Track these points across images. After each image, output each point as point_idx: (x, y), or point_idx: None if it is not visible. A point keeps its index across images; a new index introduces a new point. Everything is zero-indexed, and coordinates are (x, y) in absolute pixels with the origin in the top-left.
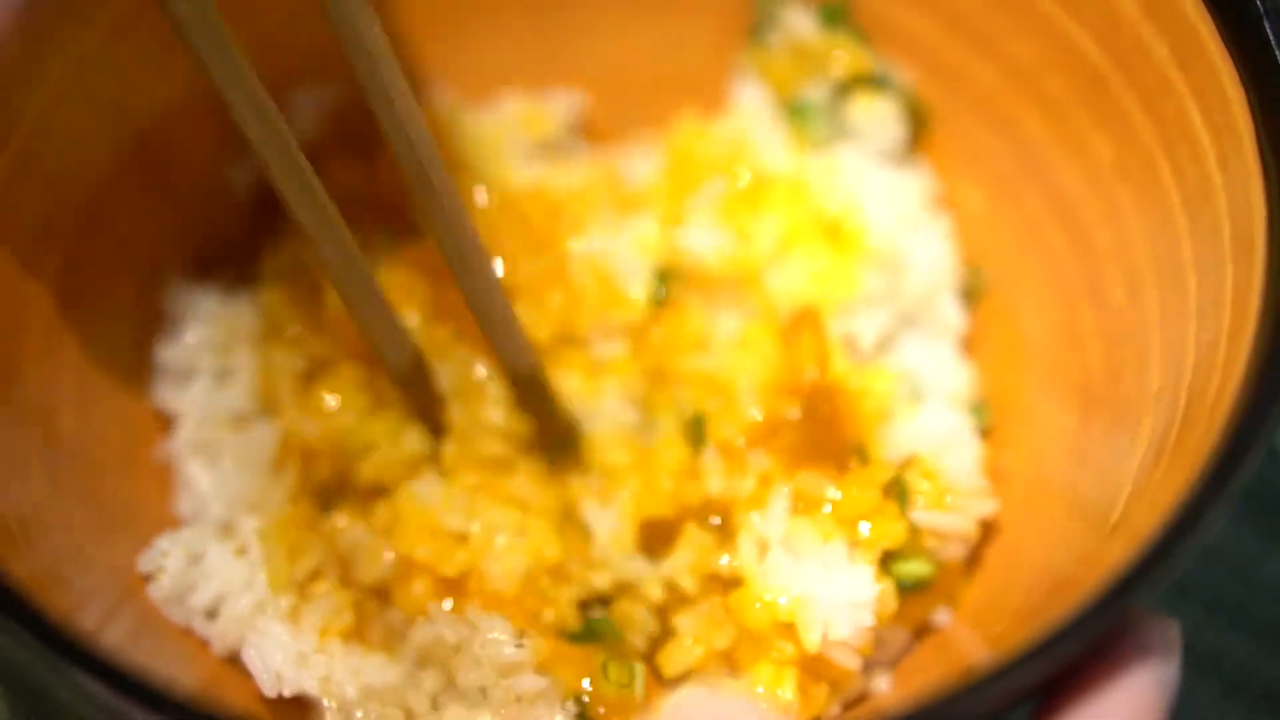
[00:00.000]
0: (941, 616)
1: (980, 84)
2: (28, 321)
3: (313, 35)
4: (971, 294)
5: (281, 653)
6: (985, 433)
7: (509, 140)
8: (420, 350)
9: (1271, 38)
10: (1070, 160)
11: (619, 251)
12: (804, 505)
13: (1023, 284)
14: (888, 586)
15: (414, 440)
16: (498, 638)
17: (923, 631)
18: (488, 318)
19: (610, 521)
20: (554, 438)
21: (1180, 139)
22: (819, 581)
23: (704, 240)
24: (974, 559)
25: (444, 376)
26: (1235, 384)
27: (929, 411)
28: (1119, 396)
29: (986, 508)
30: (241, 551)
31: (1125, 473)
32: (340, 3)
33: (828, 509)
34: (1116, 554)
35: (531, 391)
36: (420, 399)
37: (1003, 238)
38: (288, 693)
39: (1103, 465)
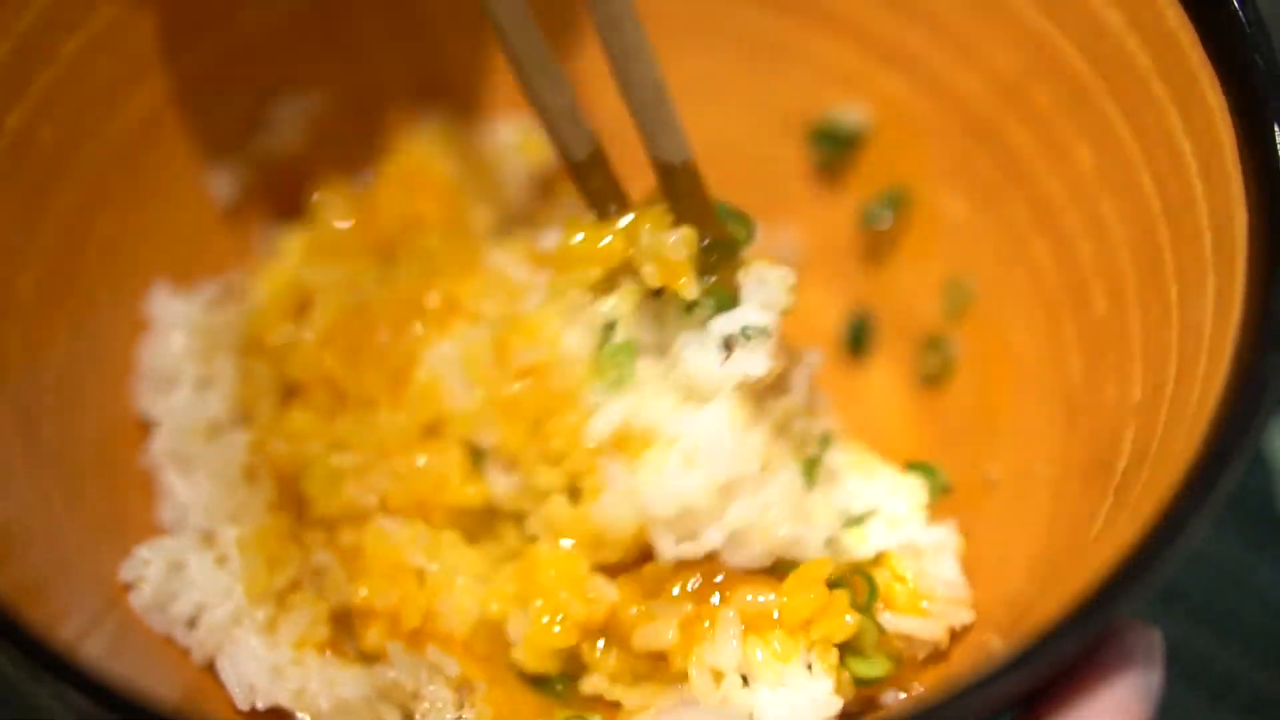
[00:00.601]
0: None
1: (964, 93)
2: (9, 330)
3: (298, 43)
4: (955, 306)
5: (256, 665)
6: (944, 490)
7: (505, 165)
8: (598, 139)
9: (1254, 49)
10: (1053, 170)
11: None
12: (751, 625)
13: (1006, 294)
14: (845, 680)
15: (381, 479)
16: (444, 697)
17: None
18: (642, 107)
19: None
20: (710, 241)
21: (1162, 149)
22: (780, 705)
23: None
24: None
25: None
26: (1217, 394)
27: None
28: (1102, 406)
29: (963, 617)
30: (222, 561)
31: (1108, 483)
32: None
33: (775, 614)
34: (1100, 564)
35: (683, 187)
36: (593, 186)
37: (986, 247)
38: (261, 706)
39: (1086, 474)
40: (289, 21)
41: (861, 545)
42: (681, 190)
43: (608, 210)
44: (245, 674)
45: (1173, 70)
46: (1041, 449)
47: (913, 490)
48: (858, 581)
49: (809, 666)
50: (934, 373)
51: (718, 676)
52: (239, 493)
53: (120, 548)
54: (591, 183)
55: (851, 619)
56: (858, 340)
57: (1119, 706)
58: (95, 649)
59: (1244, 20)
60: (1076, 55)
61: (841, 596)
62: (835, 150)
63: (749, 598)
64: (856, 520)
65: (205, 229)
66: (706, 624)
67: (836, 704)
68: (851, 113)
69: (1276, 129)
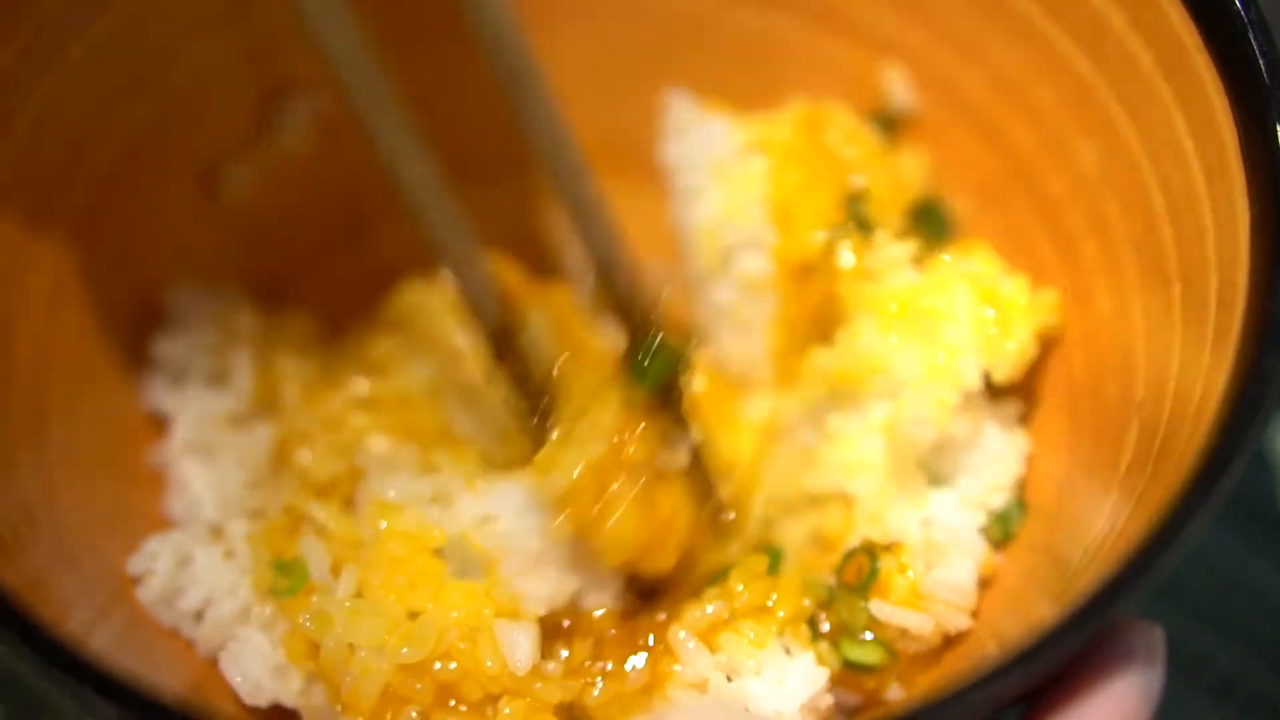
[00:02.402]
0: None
1: (968, 93)
2: (21, 326)
3: (306, 43)
4: None
5: (260, 662)
6: (1007, 537)
7: None
8: (512, 313)
9: (1256, 48)
10: (1056, 169)
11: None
12: (710, 630)
13: None
14: (825, 652)
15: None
16: None
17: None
18: (586, 229)
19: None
20: (643, 357)
21: (1165, 148)
22: (768, 690)
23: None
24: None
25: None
26: (1219, 392)
27: (939, 502)
28: (1104, 404)
29: (959, 623)
30: (229, 555)
31: (1110, 480)
32: None
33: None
34: (1101, 562)
35: (619, 293)
36: (514, 370)
37: (991, 245)
38: (264, 703)
39: (1089, 472)
40: (297, 21)
41: (878, 528)
42: (621, 299)
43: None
44: (250, 671)
45: (1175, 70)
46: (1045, 446)
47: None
48: (861, 559)
49: (786, 650)
50: None
51: (701, 685)
52: (260, 484)
53: (127, 542)
54: (508, 348)
55: (809, 601)
56: None
57: (1120, 704)
58: (102, 642)
59: (1246, 19)
60: (1079, 55)
61: (793, 577)
62: None
63: (696, 614)
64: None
65: (215, 228)
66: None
67: (823, 674)
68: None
69: (1278, 128)
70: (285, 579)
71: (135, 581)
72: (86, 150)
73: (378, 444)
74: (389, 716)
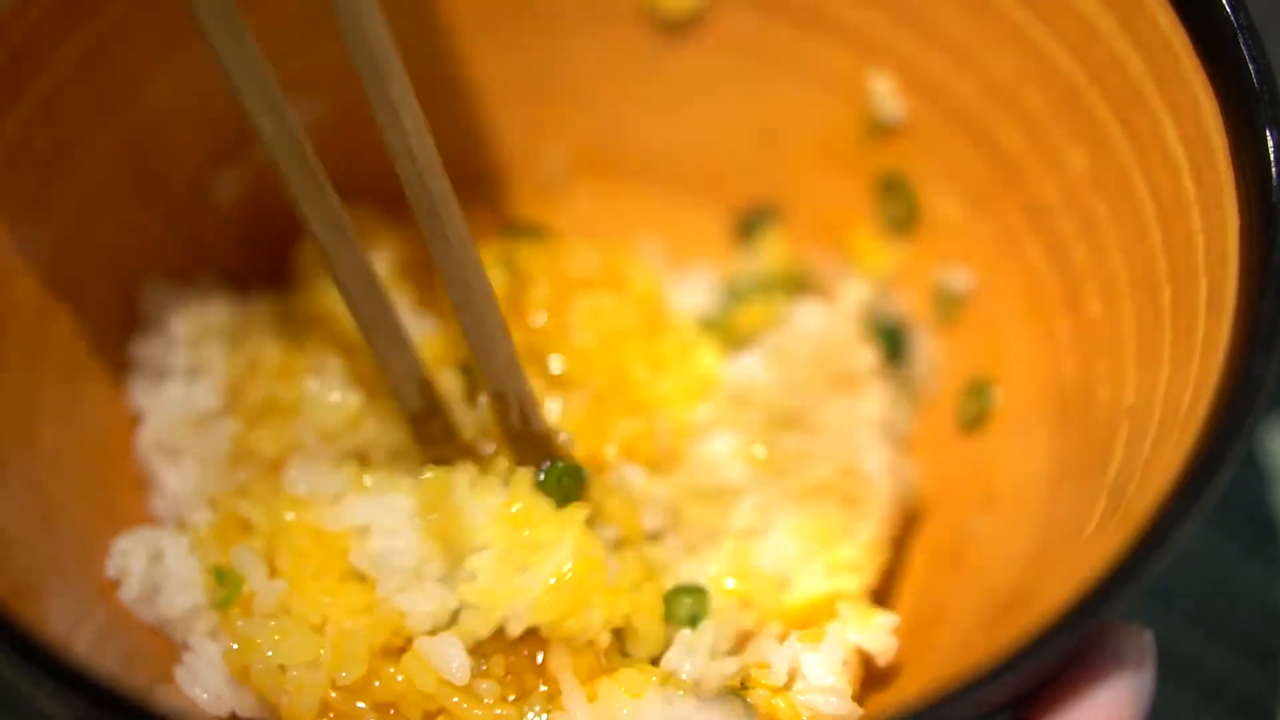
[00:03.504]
0: None
1: (958, 97)
2: (11, 331)
3: (301, 46)
4: (945, 313)
5: (215, 673)
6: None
7: None
8: (432, 381)
9: (1245, 53)
10: (1047, 173)
11: None
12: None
13: (1000, 296)
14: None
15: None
16: None
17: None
18: (487, 357)
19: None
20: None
21: (1155, 152)
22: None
23: None
24: (953, 568)
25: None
26: (1209, 397)
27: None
28: (1095, 408)
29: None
30: (194, 549)
31: (1100, 484)
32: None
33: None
34: (1091, 565)
35: (516, 419)
36: (431, 432)
37: (980, 250)
38: (225, 713)
39: (1078, 477)
40: (291, 24)
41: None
42: (518, 428)
43: (443, 454)
44: (208, 683)
45: (1165, 74)
46: (1035, 450)
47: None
48: (735, 705)
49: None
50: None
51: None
52: (220, 480)
53: (113, 543)
54: (430, 430)
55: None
56: None
57: (1110, 707)
58: (86, 645)
59: (1235, 24)
60: (1069, 58)
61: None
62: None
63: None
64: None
65: (207, 232)
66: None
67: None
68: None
69: (1268, 133)
70: (222, 587)
71: (114, 582)
72: (75, 155)
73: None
74: None
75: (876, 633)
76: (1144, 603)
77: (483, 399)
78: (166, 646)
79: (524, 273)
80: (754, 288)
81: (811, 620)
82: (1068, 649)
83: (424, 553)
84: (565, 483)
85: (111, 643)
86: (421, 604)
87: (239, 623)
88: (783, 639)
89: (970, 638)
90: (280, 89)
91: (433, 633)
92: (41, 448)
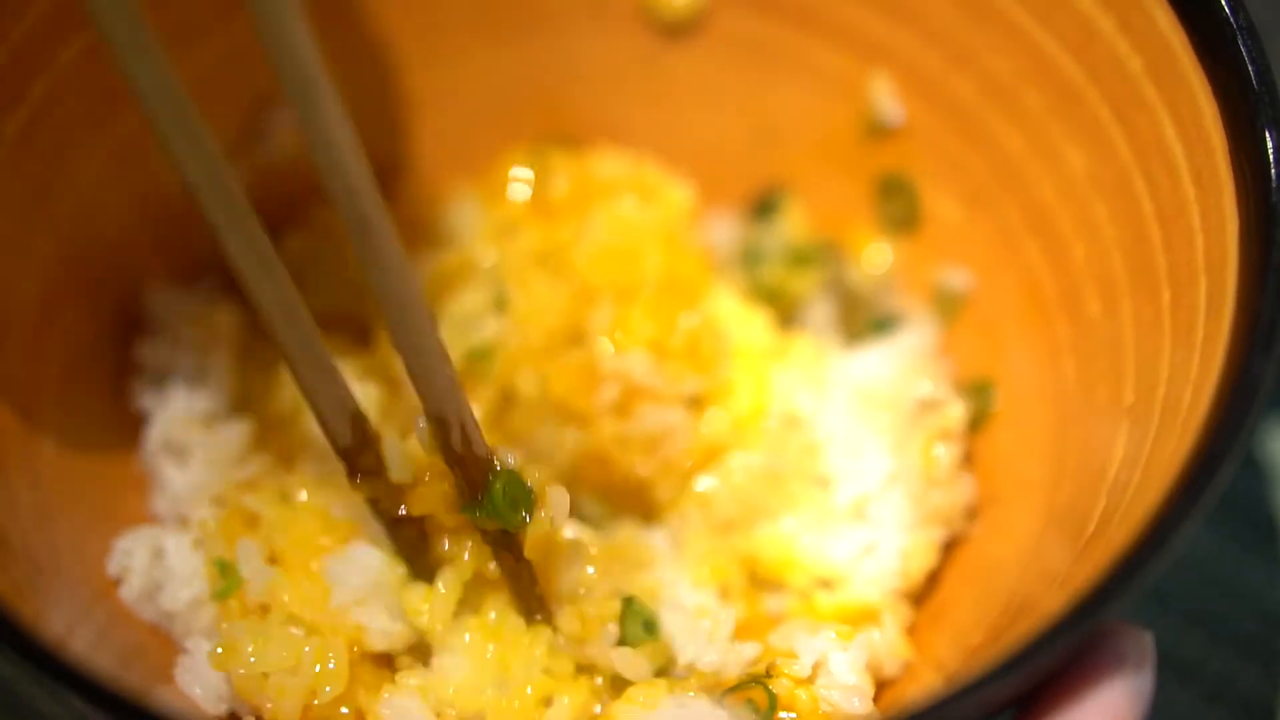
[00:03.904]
0: None
1: (957, 97)
2: (11, 328)
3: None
4: (945, 313)
5: (214, 671)
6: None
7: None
8: (363, 414)
9: (1244, 52)
10: (1046, 173)
11: None
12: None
13: (1000, 296)
14: None
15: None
16: None
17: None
18: (426, 382)
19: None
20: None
21: (1154, 152)
22: None
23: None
24: (953, 569)
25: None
26: (1208, 397)
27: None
28: (1094, 408)
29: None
30: (199, 544)
31: (1100, 486)
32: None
33: None
34: (1091, 567)
35: (458, 442)
36: (363, 465)
37: (980, 249)
38: (224, 710)
39: (1078, 478)
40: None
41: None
42: (460, 451)
43: (375, 492)
44: (207, 681)
45: (1164, 74)
46: (1034, 451)
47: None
48: (758, 692)
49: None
50: None
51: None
52: (232, 478)
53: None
54: (362, 462)
55: None
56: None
57: (1110, 709)
58: (84, 643)
59: (1235, 24)
60: (1068, 58)
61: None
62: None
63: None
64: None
65: (203, 235)
66: None
67: None
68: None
69: (1267, 133)
70: (223, 579)
71: (116, 580)
72: (74, 156)
73: None
74: None
75: (897, 645)
76: (1145, 604)
77: (421, 422)
78: (166, 645)
79: (550, 171)
80: (776, 258)
81: (850, 619)
82: (1068, 650)
83: (390, 580)
84: (511, 490)
85: (111, 641)
86: (381, 622)
87: (223, 625)
88: (814, 631)
89: (970, 639)
90: (194, 110)
91: (390, 650)
92: (42, 450)
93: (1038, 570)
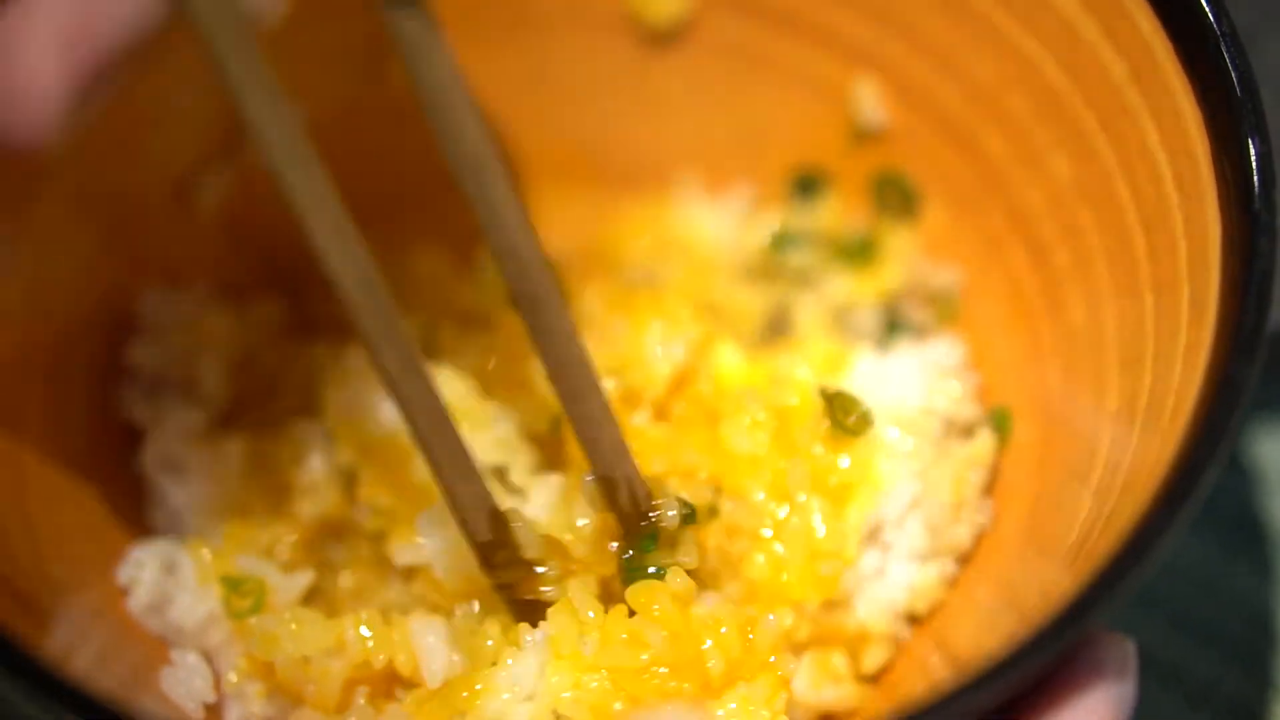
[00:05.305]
0: None
1: (942, 102)
2: None
3: (289, 51)
4: (941, 316)
5: (202, 681)
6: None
7: None
8: (500, 511)
9: (1228, 59)
10: (1030, 179)
11: None
12: None
13: (984, 302)
14: None
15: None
16: None
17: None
18: (594, 444)
19: None
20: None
21: (1138, 158)
22: None
23: None
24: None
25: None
26: (1192, 402)
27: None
28: (1078, 413)
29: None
30: (208, 563)
31: (1084, 492)
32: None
33: None
34: (1074, 574)
35: (625, 501)
36: (498, 562)
37: (965, 255)
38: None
39: (1062, 484)
40: (280, 29)
41: None
42: (627, 509)
43: (507, 579)
44: (196, 692)
45: (1148, 80)
46: (1019, 456)
47: None
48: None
49: None
50: None
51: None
52: (233, 495)
53: (110, 552)
54: (497, 558)
55: None
56: None
57: (1091, 716)
58: (85, 660)
59: (1218, 30)
60: (1052, 65)
61: None
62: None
63: None
64: None
65: (190, 238)
66: None
67: None
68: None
69: (1250, 140)
70: (241, 598)
71: (124, 591)
72: (58, 158)
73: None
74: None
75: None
76: (1130, 607)
77: (588, 479)
78: (159, 655)
79: None
80: (806, 243)
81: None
82: (1052, 658)
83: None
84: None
85: (101, 650)
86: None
87: (253, 620)
88: (800, 652)
89: (955, 648)
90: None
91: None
92: (28, 457)
93: (1022, 577)
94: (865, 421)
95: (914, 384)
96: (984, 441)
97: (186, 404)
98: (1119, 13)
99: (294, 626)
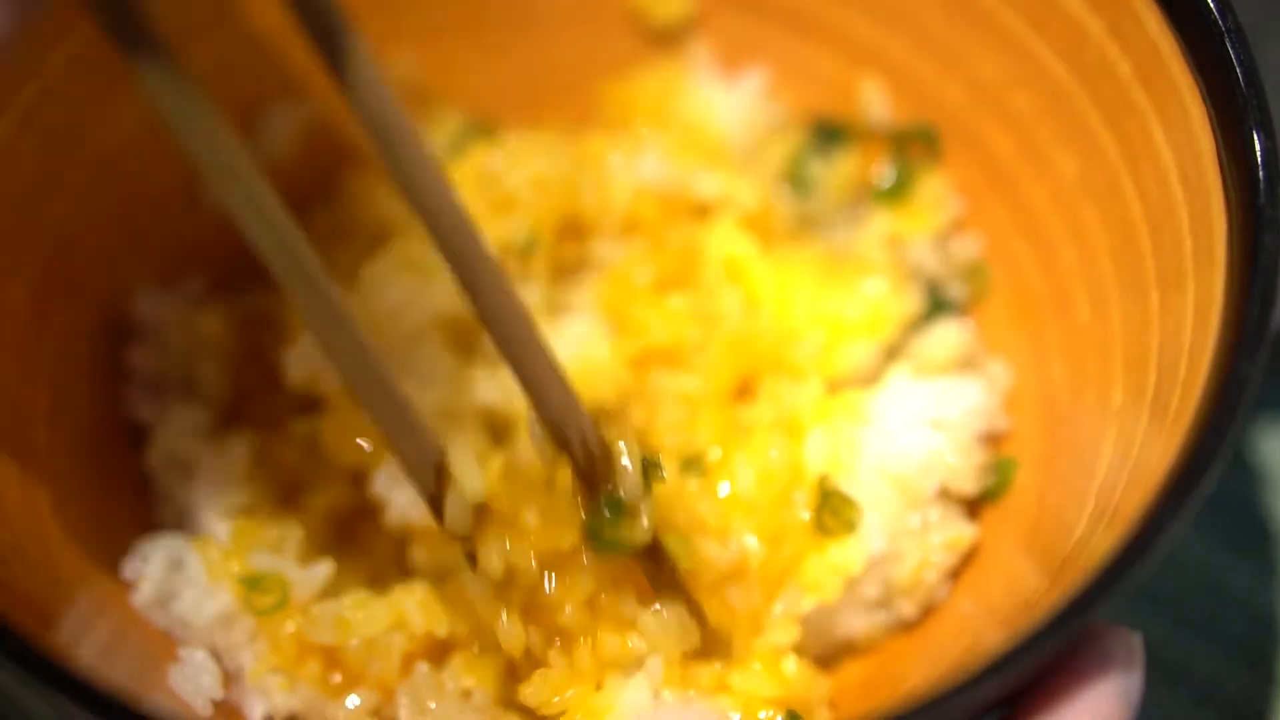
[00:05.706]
0: None
1: (948, 101)
2: (3, 333)
3: (288, 52)
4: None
5: (210, 677)
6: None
7: None
8: (450, 473)
9: (1233, 56)
10: (1036, 177)
11: None
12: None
13: (990, 299)
14: None
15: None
16: None
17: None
18: (524, 369)
19: None
20: (615, 531)
21: (1143, 156)
22: None
23: None
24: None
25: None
26: (1196, 399)
27: None
28: (1083, 411)
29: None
30: (215, 561)
31: (1089, 488)
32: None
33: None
34: (1078, 568)
35: (579, 455)
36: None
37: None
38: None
39: (1067, 480)
40: (278, 31)
41: None
42: (582, 464)
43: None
44: (204, 687)
45: (1153, 78)
46: (1023, 451)
47: None
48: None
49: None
50: None
51: None
52: (239, 493)
53: (116, 549)
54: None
55: None
56: None
57: (1097, 709)
58: (90, 653)
59: (1223, 27)
60: (1058, 63)
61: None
62: (818, 156)
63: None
64: None
65: (195, 235)
66: None
67: None
68: (834, 120)
69: (1255, 136)
70: (264, 594)
71: (129, 586)
72: (65, 159)
73: None
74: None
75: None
76: (1134, 605)
77: (536, 429)
78: (166, 651)
79: None
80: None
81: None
82: (1055, 650)
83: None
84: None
85: (107, 644)
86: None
87: (313, 608)
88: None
89: (961, 639)
90: (246, 156)
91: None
92: (36, 456)
93: (1027, 571)
94: (847, 528)
95: (922, 441)
96: (962, 534)
97: (189, 402)
98: (1125, 11)
99: (361, 613)
